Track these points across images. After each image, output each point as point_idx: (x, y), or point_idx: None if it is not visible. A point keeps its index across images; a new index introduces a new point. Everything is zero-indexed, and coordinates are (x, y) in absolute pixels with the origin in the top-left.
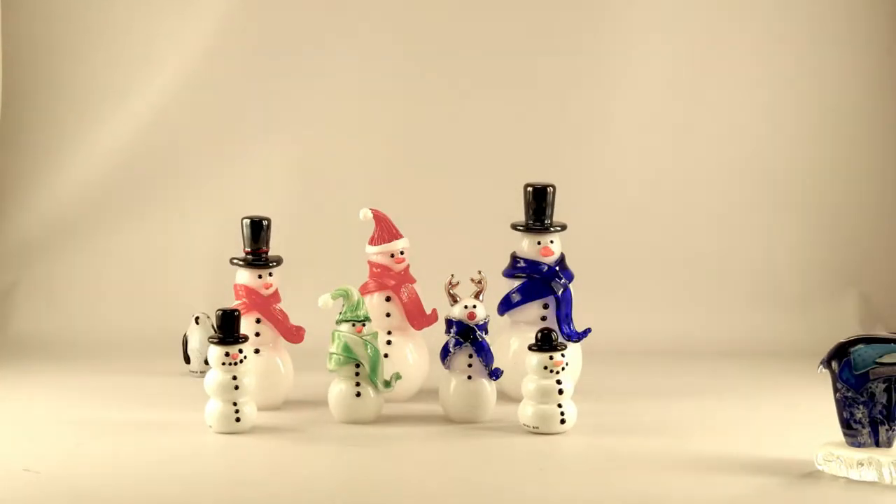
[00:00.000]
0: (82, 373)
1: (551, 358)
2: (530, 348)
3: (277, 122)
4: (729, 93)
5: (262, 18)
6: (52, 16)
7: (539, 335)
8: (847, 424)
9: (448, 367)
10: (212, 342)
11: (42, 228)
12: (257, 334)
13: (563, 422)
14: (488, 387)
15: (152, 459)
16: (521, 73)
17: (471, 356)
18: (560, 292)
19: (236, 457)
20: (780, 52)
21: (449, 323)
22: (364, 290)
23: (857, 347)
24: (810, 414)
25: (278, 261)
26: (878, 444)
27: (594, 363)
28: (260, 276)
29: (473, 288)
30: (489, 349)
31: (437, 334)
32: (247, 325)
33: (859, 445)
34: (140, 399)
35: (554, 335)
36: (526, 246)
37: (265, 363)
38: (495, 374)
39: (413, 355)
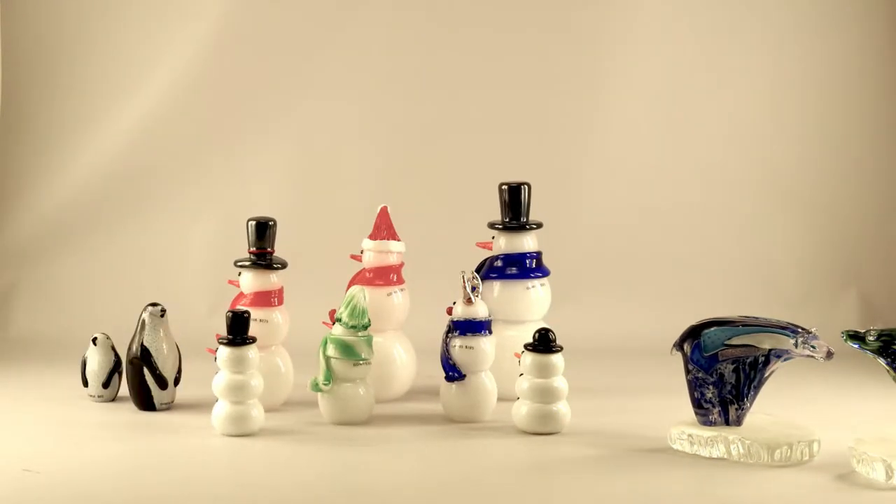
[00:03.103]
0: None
1: (523, 352)
2: (526, 347)
3: (276, 124)
4: (728, 93)
5: (263, 20)
6: (52, 17)
7: (536, 335)
8: (698, 404)
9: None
10: (221, 343)
11: (42, 228)
12: None
13: None
14: (488, 386)
15: (152, 460)
16: (519, 74)
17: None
18: None
19: (236, 457)
20: (780, 52)
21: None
22: None
23: (707, 330)
24: (811, 411)
25: (247, 263)
26: (727, 423)
27: (596, 362)
28: (239, 275)
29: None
30: (442, 352)
31: (430, 334)
32: None
33: (710, 424)
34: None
35: (551, 335)
36: (503, 244)
37: (266, 365)
38: (448, 378)
39: (401, 355)
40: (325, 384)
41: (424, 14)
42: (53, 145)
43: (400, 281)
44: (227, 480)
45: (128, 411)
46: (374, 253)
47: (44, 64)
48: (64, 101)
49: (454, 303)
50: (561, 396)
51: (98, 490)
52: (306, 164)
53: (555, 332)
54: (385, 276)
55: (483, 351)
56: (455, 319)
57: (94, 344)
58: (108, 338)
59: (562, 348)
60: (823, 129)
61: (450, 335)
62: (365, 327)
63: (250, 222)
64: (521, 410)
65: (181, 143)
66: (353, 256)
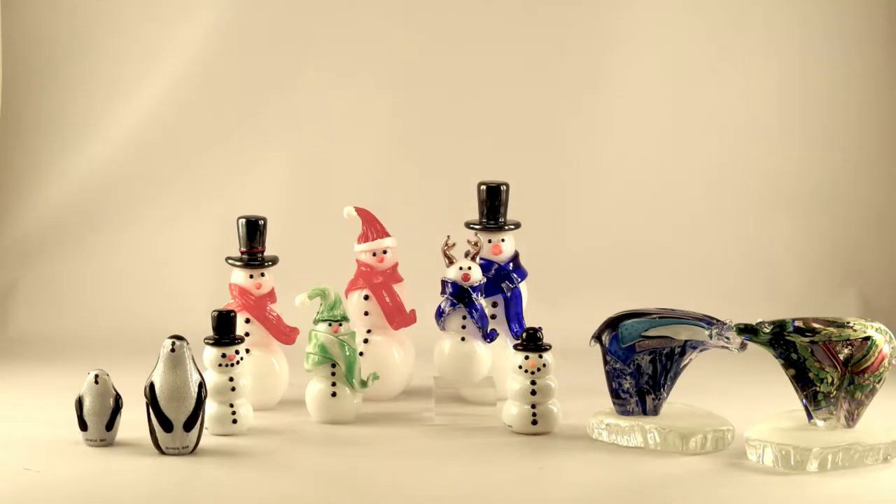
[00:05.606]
0: (82, 373)
1: (527, 358)
2: (515, 347)
3: (275, 123)
4: (727, 91)
5: (260, 20)
6: (52, 17)
7: (525, 335)
8: (616, 394)
9: (443, 328)
10: (207, 343)
11: (42, 228)
12: (247, 334)
13: (534, 423)
14: (482, 349)
15: (148, 459)
16: (515, 73)
17: (464, 318)
18: (509, 292)
19: (231, 457)
20: (778, 51)
21: (444, 284)
22: (350, 288)
23: (624, 322)
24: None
25: (273, 260)
26: (645, 413)
27: (595, 361)
28: (251, 276)
29: (469, 250)
30: (483, 311)
31: (426, 333)
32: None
33: (628, 414)
34: (138, 399)
35: (540, 335)
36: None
37: (260, 364)
38: (490, 336)
39: (398, 354)
40: (373, 377)
41: (423, 14)
42: (53, 145)
43: (398, 278)
44: (223, 480)
45: (125, 411)
46: (366, 254)
47: (44, 64)
48: (63, 101)
49: (469, 268)
50: (552, 395)
51: (96, 490)
52: (306, 163)
53: (557, 333)
54: (384, 273)
55: None
56: (444, 280)
57: (96, 382)
58: (108, 375)
59: (550, 346)
60: (823, 128)
61: (476, 298)
62: (317, 321)
63: (240, 220)
64: (512, 411)
65: (181, 143)
66: (364, 263)
